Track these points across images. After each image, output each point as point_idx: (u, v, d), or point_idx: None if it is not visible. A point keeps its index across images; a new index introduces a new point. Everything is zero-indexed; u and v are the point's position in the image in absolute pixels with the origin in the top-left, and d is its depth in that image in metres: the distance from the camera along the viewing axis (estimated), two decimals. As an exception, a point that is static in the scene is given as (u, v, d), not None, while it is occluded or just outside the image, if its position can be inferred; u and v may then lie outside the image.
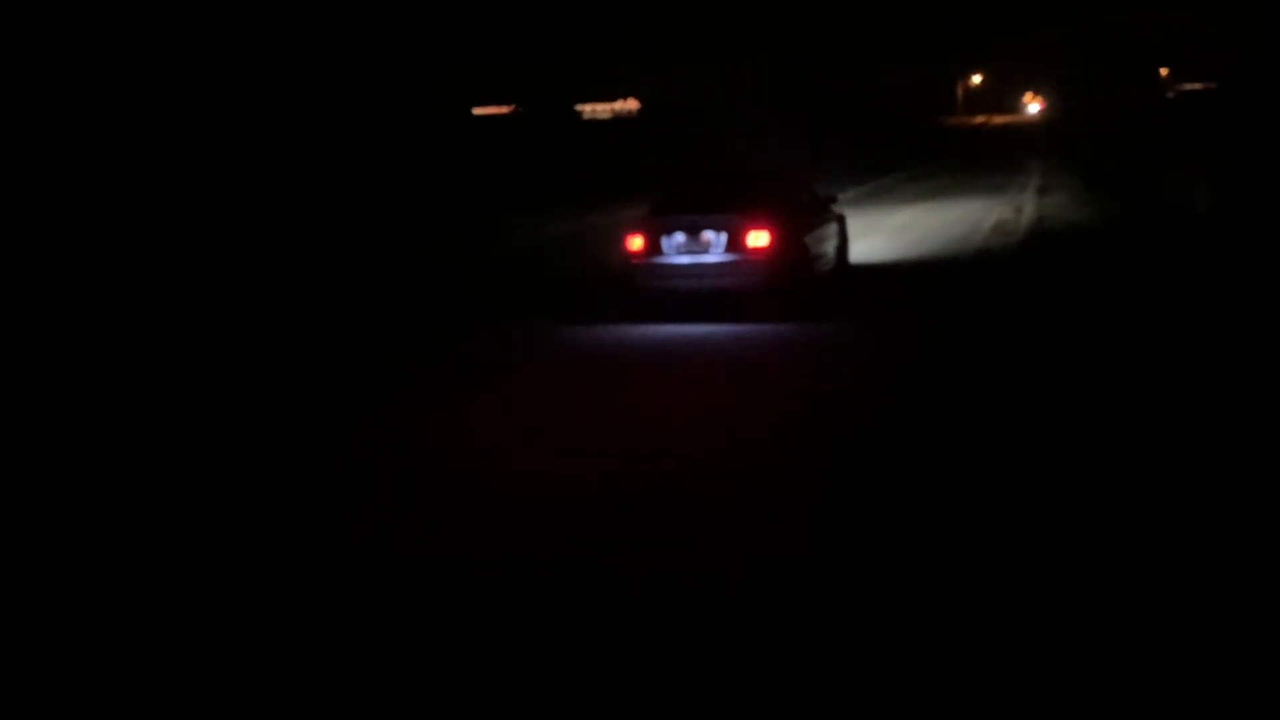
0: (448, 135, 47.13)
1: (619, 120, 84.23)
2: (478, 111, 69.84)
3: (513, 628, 4.78)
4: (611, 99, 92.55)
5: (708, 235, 11.46)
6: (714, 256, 11.44)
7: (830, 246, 13.23)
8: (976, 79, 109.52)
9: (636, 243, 11.67)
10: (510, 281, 16.17)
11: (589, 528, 5.88)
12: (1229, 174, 21.05)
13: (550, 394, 9.02)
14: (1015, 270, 13.68)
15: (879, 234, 18.09)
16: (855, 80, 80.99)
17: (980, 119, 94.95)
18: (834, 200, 13.84)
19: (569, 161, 37.49)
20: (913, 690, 4.14)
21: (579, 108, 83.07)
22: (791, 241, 11.63)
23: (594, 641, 4.61)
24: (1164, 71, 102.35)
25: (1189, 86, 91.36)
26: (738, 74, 74.40)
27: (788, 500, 6.11)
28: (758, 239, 11.33)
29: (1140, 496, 5.80)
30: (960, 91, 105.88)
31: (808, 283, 12.07)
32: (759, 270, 11.39)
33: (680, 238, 11.53)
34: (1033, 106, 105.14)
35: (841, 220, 13.99)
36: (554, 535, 5.79)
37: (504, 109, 75.43)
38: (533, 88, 72.47)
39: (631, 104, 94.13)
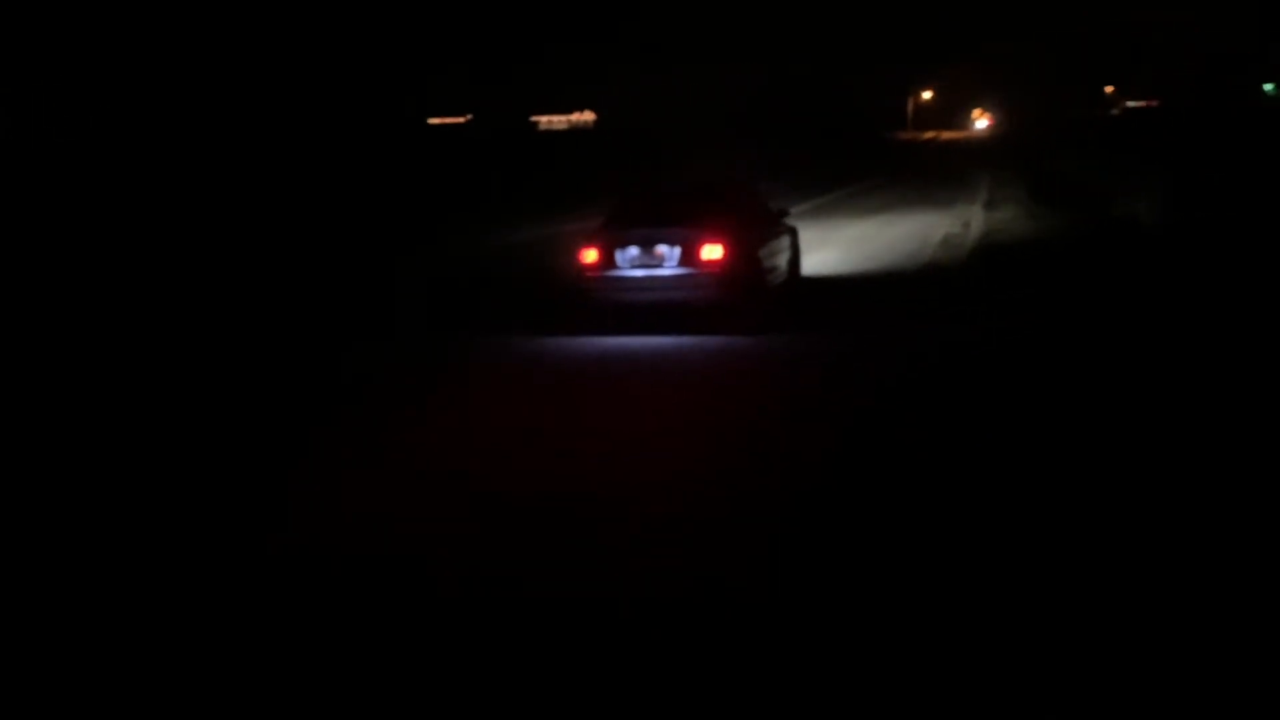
0: (416, 144, 47.53)
1: (575, 131, 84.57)
2: (434, 121, 70.02)
3: (514, 626, 4.90)
4: (568, 110, 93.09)
5: (661, 249, 11.59)
6: (668, 270, 11.58)
7: (783, 259, 13.42)
8: (926, 94, 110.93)
9: (591, 255, 11.79)
10: (478, 290, 16.28)
11: (591, 525, 6.05)
12: (1172, 187, 21.54)
13: (524, 402, 9.13)
14: (962, 282, 13.97)
15: (833, 247, 18.33)
16: (808, 94, 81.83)
17: (930, 134, 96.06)
18: (786, 213, 14.04)
19: (534, 170, 38.02)
20: (909, 683, 4.28)
21: (535, 119, 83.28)
22: (744, 254, 11.81)
23: (596, 639, 4.75)
24: (1109, 89, 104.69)
25: (1133, 104, 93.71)
26: (691, 87, 74.95)
27: (780, 498, 6.33)
28: (711, 252, 11.49)
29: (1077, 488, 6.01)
30: (910, 107, 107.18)
31: (761, 295, 12.23)
32: (712, 283, 11.54)
33: (634, 251, 11.66)
34: (981, 122, 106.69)
35: (794, 233, 14.18)
36: (553, 533, 5.94)
37: (459, 119, 75.50)
38: (488, 98, 72.80)
39: (588, 116, 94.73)
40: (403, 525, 6.23)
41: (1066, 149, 46.53)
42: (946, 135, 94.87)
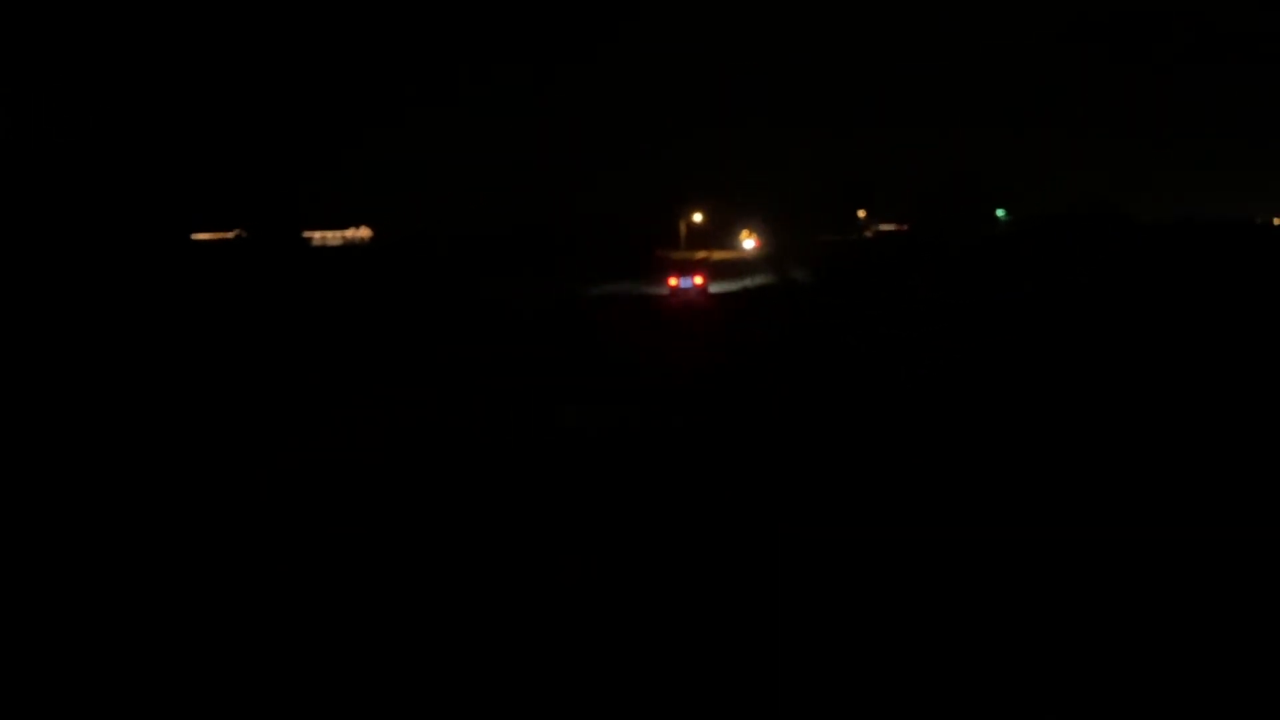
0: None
1: (351, 247, 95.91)
2: (197, 237, 72.95)
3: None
4: (342, 226, 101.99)
5: (689, 278, 48.45)
6: (691, 286, 48.59)
7: (711, 285, 50.84)
8: (697, 217, 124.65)
9: (673, 281, 48.39)
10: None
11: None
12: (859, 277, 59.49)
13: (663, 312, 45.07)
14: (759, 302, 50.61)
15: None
16: (586, 214, 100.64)
17: (702, 254, 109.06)
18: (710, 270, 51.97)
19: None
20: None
21: (307, 234, 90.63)
22: (707, 281, 48.87)
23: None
24: (862, 213, 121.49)
25: (885, 227, 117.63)
26: (466, 206, 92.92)
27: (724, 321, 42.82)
28: (700, 280, 48.80)
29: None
30: (683, 228, 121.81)
31: (707, 293, 48.80)
32: (701, 290, 48.17)
33: (683, 278, 48.36)
34: (749, 242, 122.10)
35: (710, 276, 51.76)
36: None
37: (226, 234, 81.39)
38: (256, 212, 78.06)
39: (364, 231, 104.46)
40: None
41: (820, 262, 74.32)
42: (718, 255, 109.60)
